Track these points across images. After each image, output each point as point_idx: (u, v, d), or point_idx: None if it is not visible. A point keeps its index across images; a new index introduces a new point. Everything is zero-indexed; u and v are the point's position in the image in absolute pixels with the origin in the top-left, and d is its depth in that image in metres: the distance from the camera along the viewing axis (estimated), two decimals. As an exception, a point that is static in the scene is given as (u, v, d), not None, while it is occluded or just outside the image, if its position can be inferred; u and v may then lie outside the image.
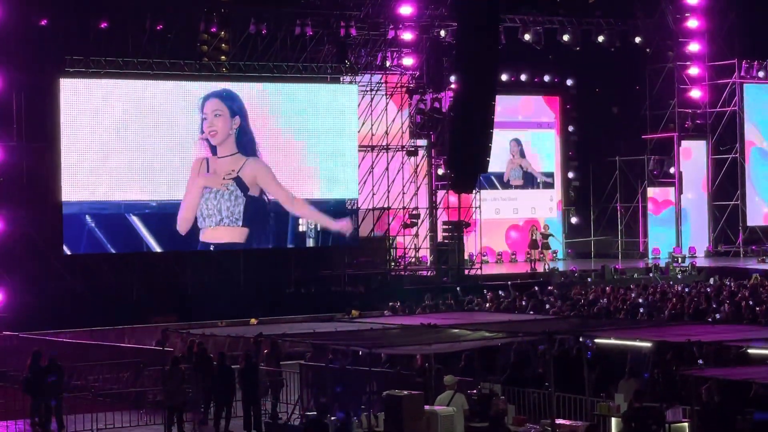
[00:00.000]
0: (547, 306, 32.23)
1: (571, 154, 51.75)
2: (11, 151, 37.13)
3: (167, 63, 38.90)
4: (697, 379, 19.19)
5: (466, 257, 44.15)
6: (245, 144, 39.60)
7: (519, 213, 49.97)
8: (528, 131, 50.66)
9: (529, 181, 50.37)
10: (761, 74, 50.89)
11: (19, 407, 26.03)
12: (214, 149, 39.24)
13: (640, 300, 32.91)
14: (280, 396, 25.67)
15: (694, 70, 50.35)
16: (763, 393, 19.40)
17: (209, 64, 40.21)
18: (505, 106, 46.97)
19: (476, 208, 44.33)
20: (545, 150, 50.91)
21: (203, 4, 40.42)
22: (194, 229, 39.00)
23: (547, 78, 50.54)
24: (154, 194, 38.51)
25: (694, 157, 50.96)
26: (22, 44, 37.33)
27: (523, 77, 49.74)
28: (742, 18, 49.77)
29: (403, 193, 43.77)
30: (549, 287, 38.03)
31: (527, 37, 46.67)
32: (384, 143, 43.42)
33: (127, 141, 37.97)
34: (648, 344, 22.09)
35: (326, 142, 40.83)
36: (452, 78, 43.72)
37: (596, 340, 22.31)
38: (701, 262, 46.81)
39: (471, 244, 45.22)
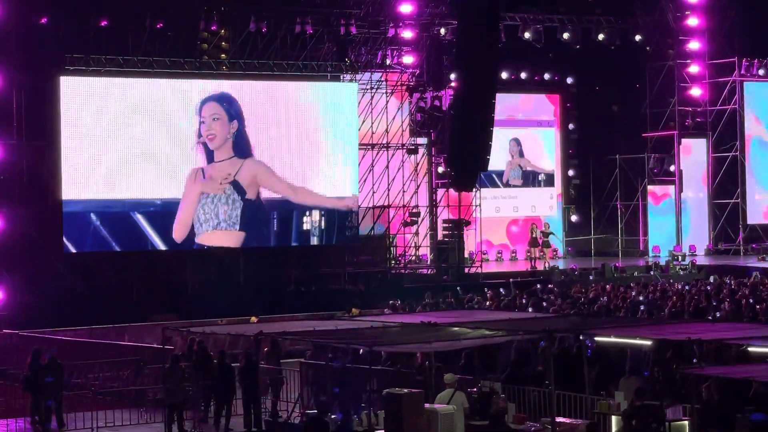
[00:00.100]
0: (544, 304, 32.21)
1: (572, 152, 51.77)
2: (11, 149, 37.13)
3: (167, 61, 38.89)
4: (698, 377, 19.20)
5: (466, 255, 44.17)
6: (242, 148, 39.57)
7: (519, 211, 49.98)
8: (528, 129, 50.66)
9: (529, 180, 50.38)
10: (761, 72, 50.89)
11: (19, 405, 26.03)
12: (210, 153, 39.17)
13: (641, 298, 32.90)
14: (280, 394, 25.65)
15: (694, 68, 50.34)
16: (763, 391, 19.39)
17: (209, 62, 40.20)
18: (505, 104, 46.99)
19: (476, 206, 44.33)
20: (545, 148, 50.91)
21: (203, 2, 40.40)
22: (191, 235, 38.93)
23: (547, 76, 50.54)
24: (156, 192, 38.49)
25: (694, 155, 50.96)
26: (22, 43, 37.31)
27: (523, 75, 49.76)
28: (742, 16, 49.77)
29: (404, 192, 43.78)
30: (549, 285, 38.04)
31: (527, 35, 46.66)
32: (384, 141, 43.43)
33: (127, 139, 37.95)
34: (648, 342, 22.10)
35: (326, 141, 40.82)
36: (452, 76, 43.73)
37: (596, 339, 22.29)
38: (701, 260, 46.79)
39: (471, 243, 45.21)
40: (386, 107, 43.39)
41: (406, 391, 20.63)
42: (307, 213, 40.61)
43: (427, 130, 45.76)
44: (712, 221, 51.09)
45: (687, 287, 35.99)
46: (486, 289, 36.78)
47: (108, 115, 37.77)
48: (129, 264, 38.64)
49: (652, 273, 42.67)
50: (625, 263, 45.10)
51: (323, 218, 40.75)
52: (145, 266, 38.78)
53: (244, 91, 39.85)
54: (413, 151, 44.52)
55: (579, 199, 51.54)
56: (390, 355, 24.33)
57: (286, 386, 25.79)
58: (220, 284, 39.05)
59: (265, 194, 40.00)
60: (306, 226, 40.61)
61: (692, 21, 49.81)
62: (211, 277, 39.70)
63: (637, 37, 49.09)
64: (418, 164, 44.98)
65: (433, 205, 45.48)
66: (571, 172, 51.64)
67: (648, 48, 49.85)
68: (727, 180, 50.61)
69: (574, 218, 51.37)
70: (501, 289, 36.80)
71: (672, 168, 49.86)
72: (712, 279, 39.41)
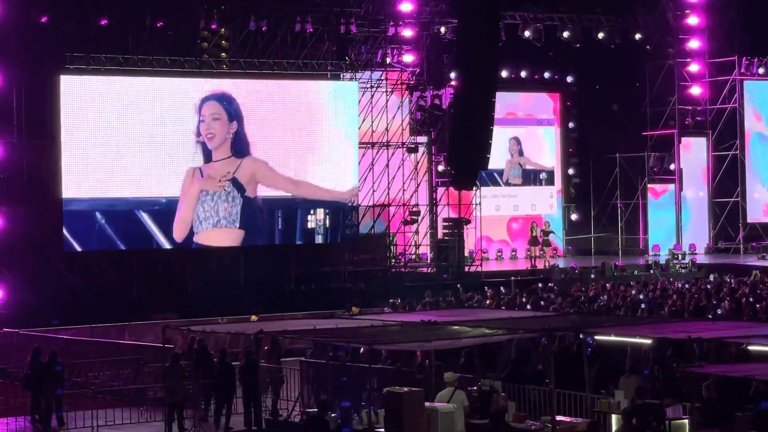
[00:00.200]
0: (542, 303, 32.18)
1: (572, 150, 51.77)
2: (11, 148, 37.13)
3: (167, 60, 38.88)
4: (698, 375, 19.21)
5: (466, 254, 44.18)
6: (240, 148, 39.54)
7: (519, 210, 49.98)
8: (528, 128, 50.66)
9: (529, 178, 50.39)
10: (761, 71, 50.89)
11: (19, 404, 26.05)
12: (208, 153, 39.15)
13: (641, 297, 32.90)
14: (280, 393, 25.66)
15: (694, 67, 50.34)
16: (764, 390, 19.40)
17: (209, 61, 40.20)
18: (505, 102, 47.02)
19: (476, 204, 44.33)
20: (545, 146, 50.91)
21: (203, 1, 40.41)
22: (191, 233, 38.91)
23: (547, 75, 50.55)
24: (161, 191, 38.49)
25: (694, 154, 50.96)
26: (22, 41, 37.33)
27: (523, 74, 49.76)
28: (742, 15, 49.80)
29: (404, 190, 43.79)
30: (549, 284, 38.05)
31: (527, 33, 46.65)
32: (384, 140, 43.43)
33: (127, 138, 37.94)
34: (648, 341, 22.11)
35: (327, 139, 40.82)
36: (452, 75, 43.74)
37: (596, 337, 22.30)
38: (701, 259, 46.80)
39: (471, 241, 45.21)
40: (386, 106, 43.40)
41: (406, 389, 20.62)
42: (312, 212, 40.60)
43: (427, 129, 45.76)
44: (712, 220, 51.10)
45: (687, 286, 35.98)
46: (486, 288, 36.80)
47: (108, 113, 37.75)
48: (129, 262, 38.64)
49: (652, 272, 42.67)
50: (625, 262, 45.11)
51: (328, 216, 40.74)
52: (145, 265, 38.79)
53: (244, 89, 39.84)
54: (413, 149, 44.53)
55: (579, 198, 51.54)
56: (390, 354, 24.35)
57: (287, 385, 25.78)
58: (221, 283, 39.07)
59: (268, 192, 39.99)
60: (311, 225, 40.60)
61: (692, 20, 49.81)
62: (211, 275, 39.72)
63: (637, 36, 49.09)
64: (418, 163, 44.99)
65: (433, 203, 45.49)
66: (571, 171, 51.65)
67: (648, 47, 49.85)
68: (727, 178, 50.63)
69: (574, 217, 51.38)
70: (501, 288, 36.82)
71: (672, 167, 49.86)
72: (712, 277, 39.40)
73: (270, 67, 40.48)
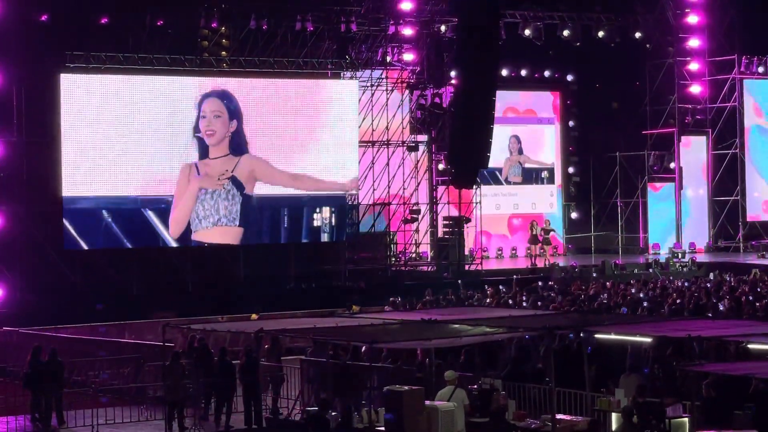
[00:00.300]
0: (539, 303, 32.15)
1: (572, 149, 51.77)
2: (12, 146, 37.13)
3: (167, 58, 38.88)
4: (698, 374, 19.21)
5: (466, 252, 44.19)
6: (238, 146, 39.53)
7: (519, 208, 49.98)
8: (528, 126, 50.66)
9: (529, 177, 50.39)
10: (761, 69, 50.90)
11: (19, 403, 26.03)
12: (205, 149, 39.14)
13: (641, 295, 32.91)
14: (280, 391, 25.69)
15: (694, 66, 50.34)
16: (763, 388, 19.42)
17: (210, 59, 40.21)
18: (505, 101, 47.02)
19: (477, 203, 44.33)
20: (545, 145, 50.92)
21: (204, -1, 40.49)
22: (187, 232, 38.89)
23: (547, 73, 50.55)
24: (166, 189, 38.47)
25: (694, 153, 50.97)
26: (22, 40, 37.30)
27: (523, 72, 49.75)
28: (742, 14, 49.78)
29: (404, 189, 43.81)
30: (549, 282, 38.06)
31: (527, 32, 46.65)
32: (384, 138, 43.44)
33: (127, 136, 37.94)
34: (648, 339, 22.12)
35: (327, 138, 40.82)
36: (453, 73, 43.75)
37: (596, 336, 22.31)
38: (701, 257, 46.81)
39: (471, 240, 45.22)
40: (386, 104, 43.40)
41: (406, 388, 20.65)
42: (318, 210, 40.59)
43: (428, 128, 45.76)
44: (712, 218, 51.11)
45: (687, 284, 36.01)
46: (486, 286, 36.80)
47: (108, 112, 37.75)
48: (129, 261, 38.63)
49: (652, 270, 42.67)
50: (625, 260, 45.13)
51: (334, 215, 40.73)
52: (145, 263, 38.77)
53: (245, 88, 39.83)
54: (413, 148, 44.53)
55: (579, 197, 51.55)
56: (390, 352, 24.36)
57: (287, 383, 25.80)
58: (221, 281, 39.05)
59: (272, 191, 39.95)
60: (317, 223, 40.59)
61: (692, 18, 49.80)
62: (211, 274, 39.70)
63: (637, 35, 49.10)
64: (418, 161, 44.99)
65: (433, 202, 45.49)
66: (571, 170, 51.63)
67: (648, 45, 49.85)
68: (727, 177, 50.64)
69: (574, 215, 51.38)
70: (501, 286, 36.83)
71: (672, 165, 49.87)
72: (712, 276, 39.45)
73: (270, 66, 40.49)
